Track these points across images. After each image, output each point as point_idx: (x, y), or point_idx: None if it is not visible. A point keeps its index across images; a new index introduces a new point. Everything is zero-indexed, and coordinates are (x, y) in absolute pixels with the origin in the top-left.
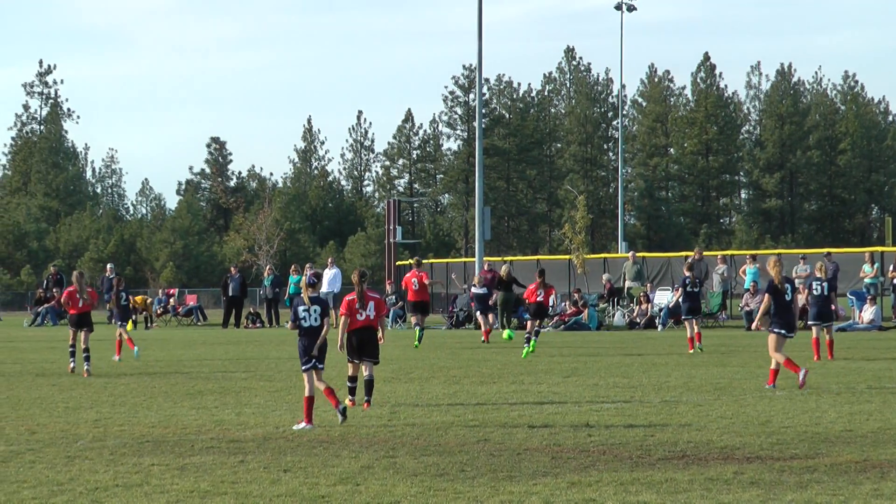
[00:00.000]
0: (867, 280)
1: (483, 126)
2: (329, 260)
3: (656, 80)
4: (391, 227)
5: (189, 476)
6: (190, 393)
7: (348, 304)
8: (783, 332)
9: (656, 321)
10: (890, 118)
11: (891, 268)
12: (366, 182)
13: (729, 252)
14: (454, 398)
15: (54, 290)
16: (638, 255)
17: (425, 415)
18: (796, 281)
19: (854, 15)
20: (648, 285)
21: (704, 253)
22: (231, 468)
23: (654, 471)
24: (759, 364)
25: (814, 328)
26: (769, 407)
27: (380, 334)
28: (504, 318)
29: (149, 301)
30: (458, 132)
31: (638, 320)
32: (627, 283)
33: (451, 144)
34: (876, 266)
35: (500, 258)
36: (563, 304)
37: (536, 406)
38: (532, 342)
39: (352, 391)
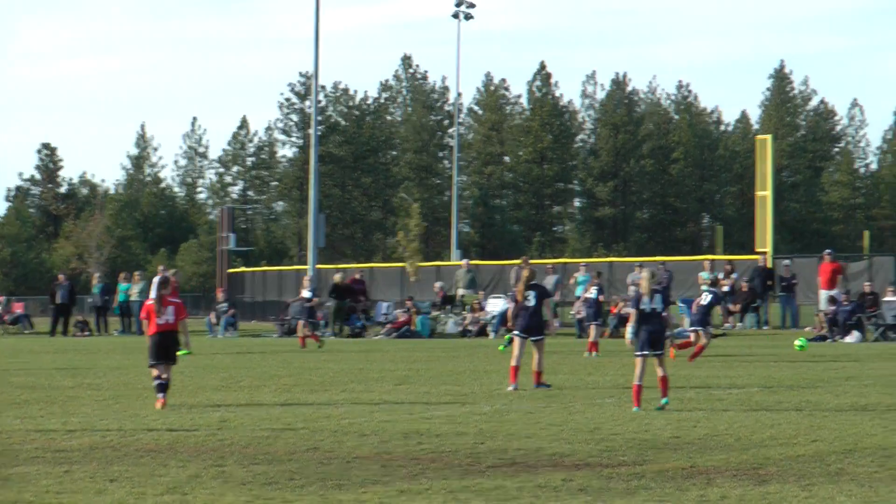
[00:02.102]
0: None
1: (318, 133)
2: (160, 268)
3: (492, 88)
4: (224, 235)
5: (13, 487)
6: (15, 402)
7: (147, 308)
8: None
9: (488, 329)
10: (722, 128)
11: (720, 275)
12: (199, 189)
13: (561, 260)
14: (284, 406)
15: None
16: (471, 262)
17: (255, 423)
18: (630, 289)
19: (688, 25)
20: (481, 293)
21: (534, 262)
22: (56, 478)
23: (483, 478)
24: (589, 372)
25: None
26: (598, 414)
27: (183, 338)
28: (336, 325)
29: None
30: (293, 139)
31: (470, 328)
32: (460, 291)
33: (286, 151)
34: (715, 274)
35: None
36: (394, 311)
37: (367, 414)
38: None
39: (159, 388)
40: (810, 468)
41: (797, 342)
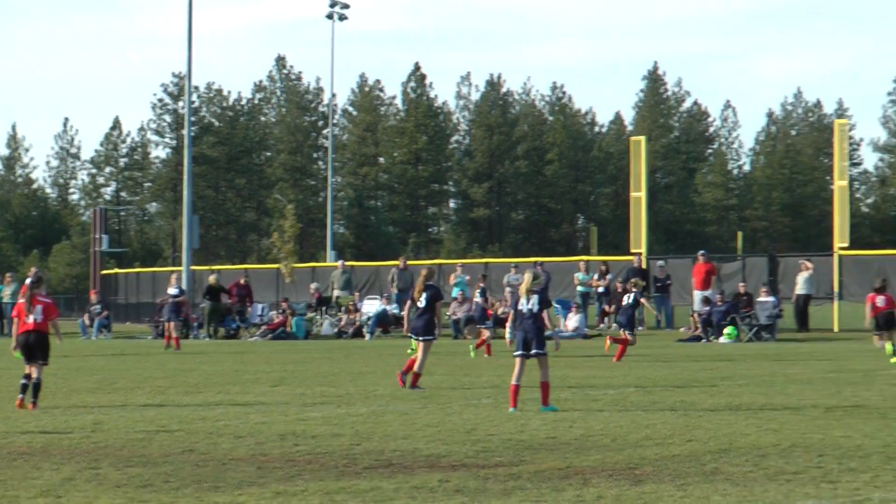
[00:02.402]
0: (580, 288)
1: (192, 134)
2: (32, 269)
3: (367, 89)
4: (97, 236)
5: None
6: None
7: (17, 308)
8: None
9: (364, 330)
10: (596, 129)
11: (595, 276)
12: (72, 190)
13: (437, 261)
14: (159, 408)
15: None
16: (347, 264)
17: (129, 425)
18: (506, 290)
19: (562, 27)
20: (357, 294)
21: (410, 262)
22: None
23: (360, 479)
24: (465, 373)
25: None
26: (475, 415)
27: (56, 340)
28: (210, 327)
29: None
30: (166, 140)
31: (346, 329)
32: (336, 292)
33: (159, 152)
34: (593, 275)
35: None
36: (270, 313)
37: (242, 416)
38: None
39: (23, 388)
40: (686, 468)
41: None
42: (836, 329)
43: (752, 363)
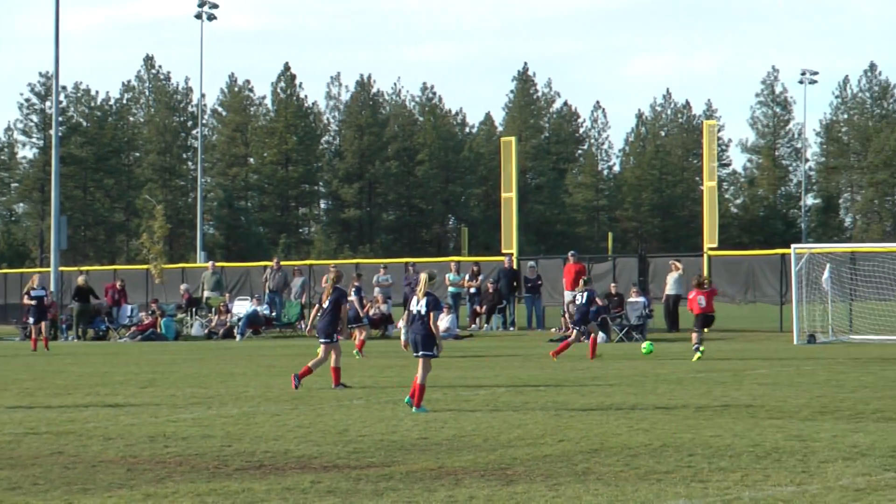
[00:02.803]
0: (451, 289)
1: (60, 134)
2: None
3: (236, 89)
4: None
5: None
6: None
7: None
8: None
9: (235, 331)
10: (467, 130)
11: (466, 277)
12: None
13: (307, 262)
14: (27, 410)
15: None
16: (217, 264)
17: None
18: (375, 290)
19: (432, 27)
20: (227, 295)
21: (284, 263)
22: None
23: (231, 481)
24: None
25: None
26: (347, 416)
27: None
28: (79, 328)
29: None
30: (33, 140)
31: (216, 330)
32: (206, 293)
33: (26, 153)
34: (463, 276)
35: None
36: (139, 314)
37: (112, 417)
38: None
39: None
40: (557, 468)
41: (644, 346)
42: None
43: (622, 363)
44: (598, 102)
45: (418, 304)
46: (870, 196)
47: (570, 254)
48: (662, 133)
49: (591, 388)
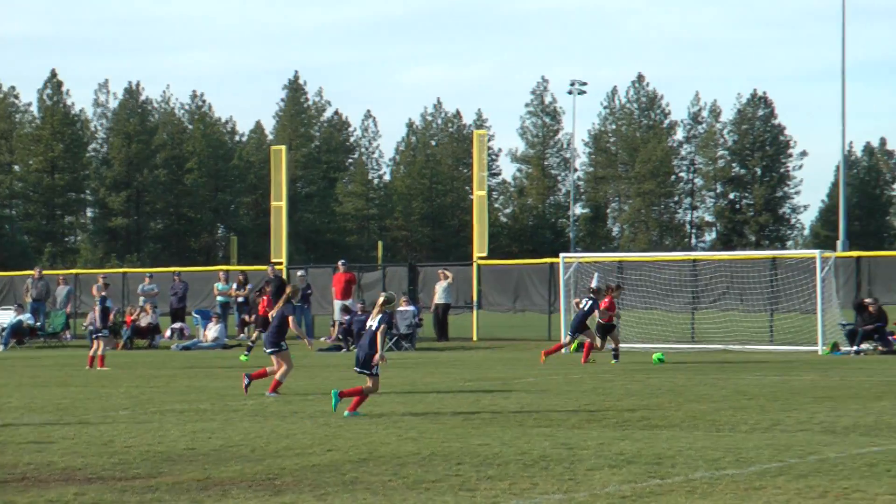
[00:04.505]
0: (220, 298)
1: None
2: None
3: (1, 95)
4: None
5: None
6: None
7: None
8: None
9: None
10: (237, 138)
11: (234, 286)
12: None
13: (73, 271)
14: None
15: None
16: None
17: None
18: (140, 299)
19: (202, 35)
20: None
21: (46, 272)
22: None
23: None
24: (103, 384)
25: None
26: (112, 427)
27: None
28: None
29: None
30: None
31: None
32: None
33: None
34: (231, 285)
35: None
36: None
37: None
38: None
39: None
40: (325, 477)
41: (655, 356)
42: (475, 338)
43: (392, 372)
44: (368, 111)
45: (372, 321)
46: (637, 206)
47: (339, 263)
48: (433, 142)
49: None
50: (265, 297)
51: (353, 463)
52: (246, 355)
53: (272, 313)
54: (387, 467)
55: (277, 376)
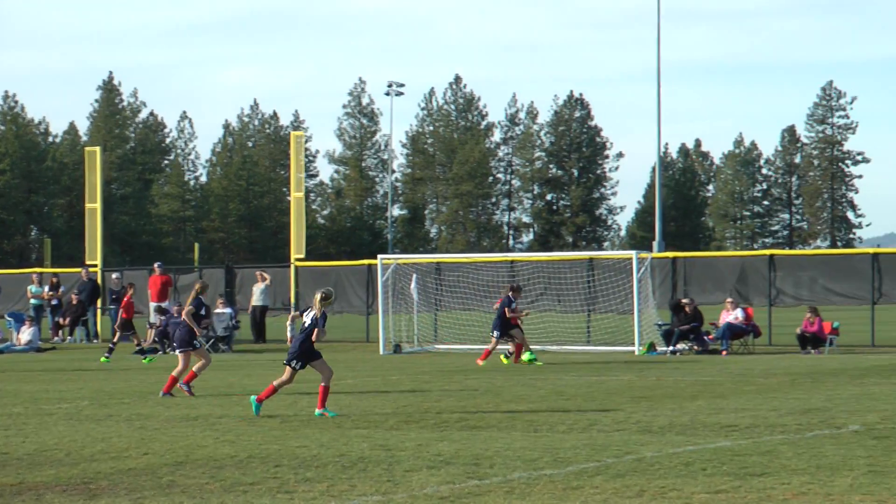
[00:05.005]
0: (33, 301)
1: None
2: None
3: None
4: None
5: None
6: None
7: None
8: None
9: None
10: (50, 139)
11: (46, 289)
12: None
13: None
14: None
15: None
16: None
17: None
18: None
19: (13, 36)
20: None
21: None
22: None
23: None
24: None
25: None
26: None
27: None
28: None
29: None
30: None
31: None
32: None
33: None
34: (44, 288)
35: None
36: None
37: None
38: None
39: None
40: (142, 481)
41: (525, 356)
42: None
43: (209, 374)
44: (184, 112)
45: (309, 318)
46: (455, 207)
47: (155, 265)
48: (250, 144)
49: (176, 400)
50: (126, 299)
51: (169, 466)
52: (107, 357)
53: (184, 314)
54: (204, 470)
55: (195, 369)
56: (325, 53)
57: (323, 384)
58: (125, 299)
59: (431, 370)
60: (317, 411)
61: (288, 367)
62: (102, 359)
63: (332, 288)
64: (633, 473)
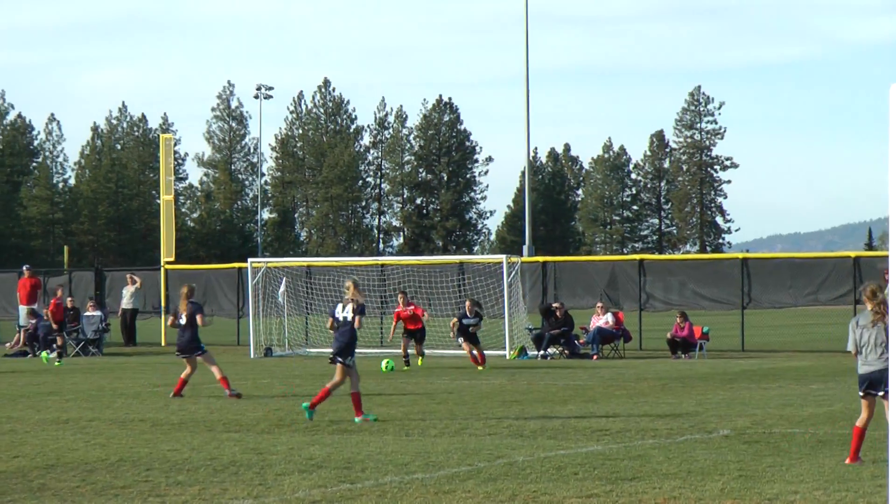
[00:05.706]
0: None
1: None
2: None
3: None
4: None
5: None
6: None
7: None
8: None
9: None
10: None
11: None
12: None
13: None
14: None
15: None
16: None
17: None
18: None
19: None
20: None
21: None
22: None
23: None
24: None
25: None
26: None
27: None
28: None
29: None
30: None
31: None
32: None
33: None
34: None
35: None
36: None
37: None
38: None
39: None
40: (12, 484)
41: (384, 364)
42: (163, 343)
43: (79, 377)
44: (52, 115)
45: (345, 312)
46: (325, 210)
47: (24, 268)
48: (119, 146)
49: (47, 403)
50: (54, 300)
51: (40, 469)
52: (59, 361)
53: (176, 319)
54: (75, 473)
55: (184, 376)
56: (194, 56)
57: (353, 391)
58: (53, 301)
59: (302, 374)
60: (356, 419)
61: (340, 365)
62: (56, 363)
63: (198, 287)
64: (504, 478)
